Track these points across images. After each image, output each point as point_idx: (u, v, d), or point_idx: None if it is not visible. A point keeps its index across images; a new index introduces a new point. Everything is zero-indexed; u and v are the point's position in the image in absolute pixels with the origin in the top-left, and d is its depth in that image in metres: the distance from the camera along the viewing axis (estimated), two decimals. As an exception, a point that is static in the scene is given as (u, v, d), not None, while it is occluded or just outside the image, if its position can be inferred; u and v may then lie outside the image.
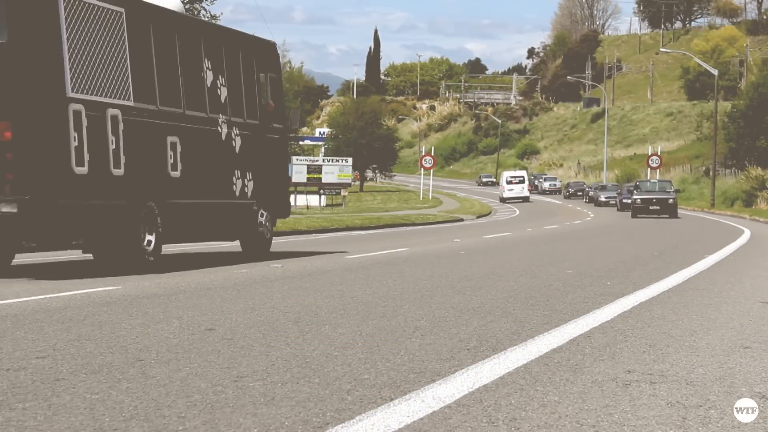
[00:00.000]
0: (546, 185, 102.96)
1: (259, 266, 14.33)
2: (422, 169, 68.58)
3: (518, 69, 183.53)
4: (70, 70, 12.64)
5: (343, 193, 67.54)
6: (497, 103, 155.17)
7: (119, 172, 13.48)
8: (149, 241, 14.21)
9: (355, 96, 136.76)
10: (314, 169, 62.19)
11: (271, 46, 18.56)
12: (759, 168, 63.07)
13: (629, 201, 52.10)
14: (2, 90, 12.08)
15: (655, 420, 4.52)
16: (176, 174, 14.87)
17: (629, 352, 6.42)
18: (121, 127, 13.53)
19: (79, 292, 10.18)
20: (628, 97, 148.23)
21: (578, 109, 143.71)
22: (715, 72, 64.55)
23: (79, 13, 12.87)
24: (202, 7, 65.76)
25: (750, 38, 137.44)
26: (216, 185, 16.17)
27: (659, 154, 69.50)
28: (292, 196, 72.58)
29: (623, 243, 23.14)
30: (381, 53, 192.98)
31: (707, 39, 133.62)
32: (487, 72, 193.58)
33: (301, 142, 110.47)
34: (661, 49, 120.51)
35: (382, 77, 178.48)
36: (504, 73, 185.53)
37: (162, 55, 14.66)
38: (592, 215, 52.54)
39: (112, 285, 10.97)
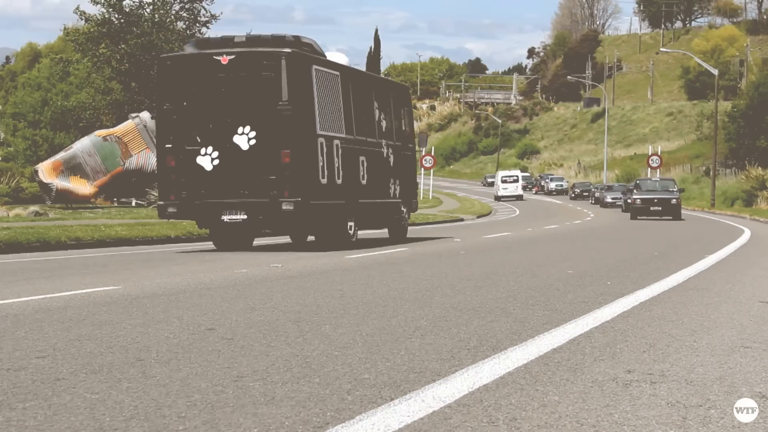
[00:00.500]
0: (552, 186, 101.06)
1: (259, 266, 14.33)
2: (422, 168, 68.56)
3: (518, 69, 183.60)
4: (318, 115, 19.26)
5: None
6: (497, 103, 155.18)
7: (339, 181, 20.12)
8: (351, 227, 20.92)
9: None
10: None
11: (406, 88, 26.94)
12: (759, 168, 63.08)
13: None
14: (285, 130, 18.59)
15: (655, 420, 4.52)
16: (364, 182, 21.58)
17: (629, 351, 6.42)
18: (339, 151, 20.14)
19: (79, 292, 10.18)
20: (628, 96, 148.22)
21: (578, 108, 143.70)
22: (716, 72, 64.54)
23: (320, 77, 19.52)
24: (202, 6, 65.77)
25: (750, 38, 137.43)
26: (382, 189, 22.86)
27: (659, 153, 69.49)
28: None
29: (623, 243, 23.14)
30: (381, 53, 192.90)
31: (707, 39, 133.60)
32: (487, 72, 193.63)
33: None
34: (661, 49, 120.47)
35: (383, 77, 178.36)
36: (504, 72, 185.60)
37: (355, 101, 21.28)
38: (592, 215, 52.55)
39: (113, 285, 10.97)
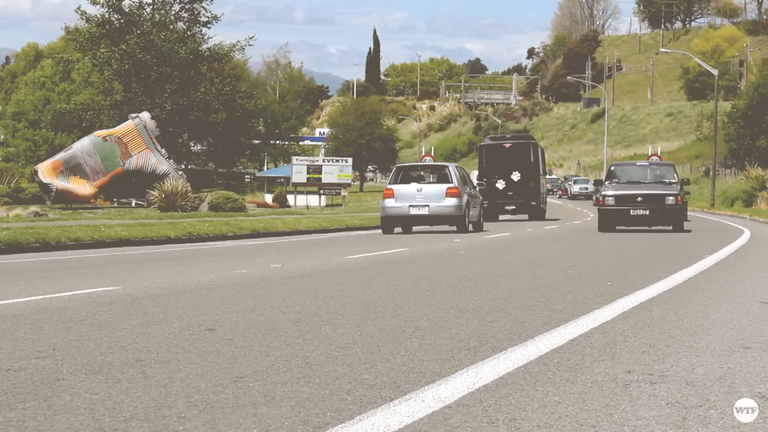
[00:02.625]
0: (576, 188, 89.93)
1: (259, 266, 14.33)
2: (422, 169, 68.46)
3: (518, 69, 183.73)
4: (540, 165, 48.23)
5: (343, 193, 67.42)
6: (497, 104, 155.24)
7: (541, 192, 47.90)
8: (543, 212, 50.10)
9: (355, 96, 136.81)
10: (314, 169, 62.14)
11: (537, 144, 50.64)
12: (759, 168, 63.09)
13: None
14: (532, 172, 47.00)
15: (655, 420, 4.52)
16: (543, 192, 48.22)
17: (629, 352, 6.42)
18: (541, 180, 48.06)
19: (79, 292, 10.18)
20: (628, 97, 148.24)
21: (578, 109, 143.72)
22: (715, 72, 64.57)
23: (540, 150, 49.54)
24: (202, 7, 65.62)
25: (750, 38, 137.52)
26: (543, 196, 48.08)
27: (659, 154, 69.44)
28: (291, 197, 72.62)
29: (623, 243, 23.13)
30: (381, 53, 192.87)
31: (707, 39, 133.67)
32: (487, 72, 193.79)
33: (301, 143, 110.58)
34: (661, 49, 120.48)
35: (382, 77, 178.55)
36: (504, 73, 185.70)
37: (540, 157, 48.61)
38: (592, 215, 52.53)
39: (113, 285, 10.97)
